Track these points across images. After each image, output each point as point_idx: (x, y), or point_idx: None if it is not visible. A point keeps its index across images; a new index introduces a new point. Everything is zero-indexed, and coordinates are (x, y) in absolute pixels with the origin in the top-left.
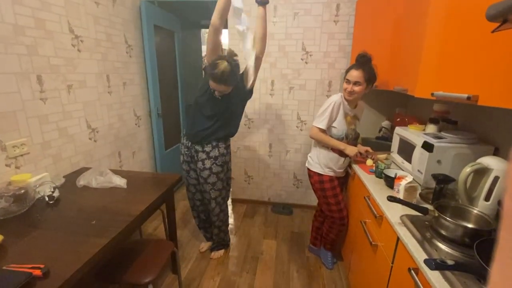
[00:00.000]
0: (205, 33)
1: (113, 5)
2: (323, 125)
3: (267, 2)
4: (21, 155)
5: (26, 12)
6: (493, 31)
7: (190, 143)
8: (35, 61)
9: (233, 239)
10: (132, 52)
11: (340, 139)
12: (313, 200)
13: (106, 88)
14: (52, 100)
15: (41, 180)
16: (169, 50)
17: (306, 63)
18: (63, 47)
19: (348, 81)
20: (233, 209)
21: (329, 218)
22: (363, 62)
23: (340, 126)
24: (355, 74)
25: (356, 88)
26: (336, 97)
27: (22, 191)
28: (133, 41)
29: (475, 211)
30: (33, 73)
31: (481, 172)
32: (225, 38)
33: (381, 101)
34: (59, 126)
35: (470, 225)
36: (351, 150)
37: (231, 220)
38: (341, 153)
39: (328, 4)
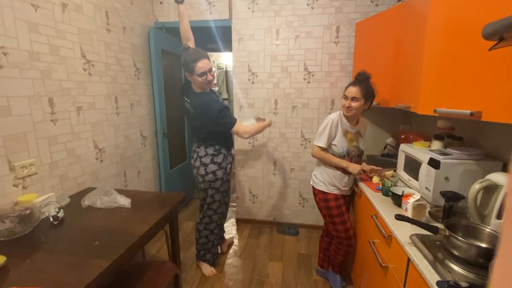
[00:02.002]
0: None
1: (123, 32)
2: (322, 143)
3: (182, 2)
4: (29, 176)
5: (42, 40)
6: (490, 49)
7: (231, 157)
8: (47, 85)
9: (237, 261)
10: (140, 75)
11: (341, 156)
12: (319, 219)
13: (114, 109)
14: (62, 122)
15: (46, 200)
16: (175, 73)
17: (309, 82)
18: (75, 71)
19: (346, 97)
20: (237, 230)
21: (335, 239)
22: (361, 79)
23: (340, 143)
24: (352, 90)
25: (354, 104)
26: (334, 115)
27: (28, 211)
28: (141, 65)
29: (488, 230)
30: (45, 96)
31: (491, 189)
32: (229, 60)
33: (385, 118)
34: (67, 146)
35: (483, 245)
36: (354, 168)
37: (235, 242)
38: (345, 170)
39: (329, 27)
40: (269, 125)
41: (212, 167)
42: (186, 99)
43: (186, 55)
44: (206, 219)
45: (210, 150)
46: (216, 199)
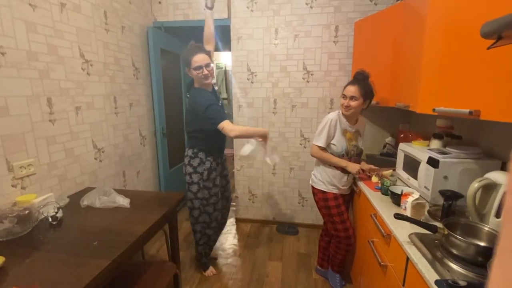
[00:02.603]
0: None
1: (122, 31)
2: (321, 143)
3: (211, 8)
4: (28, 176)
5: (40, 39)
6: (488, 48)
7: (220, 159)
8: (46, 85)
9: (237, 260)
10: (139, 74)
11: (340, 156)
12: (319, 219)
13: (113, 109)
14: (61, 122)
15: (45, 200)
16: (174, 72)
17: (308, 82)
18: (74, 71)
19: (344, 96)
20: (237, 229)
21: (335, 238)
22: (360, 78)
23: (339, 143)
24: (351, 89)
25: (353, 103)
26: (332, 115)
27: (26, 211)
28: (140, 64)
29: (486, 228)
30: (44, 96)
31: (490, 188)
32: (228, 60)
33: (384, 118)
34: (66, 146)
35: (482, 243)
36: (353, 167)
37: (235, 241)
38: (344, 170)
39: (328, 26)
40: (263, 134)
41: (189, 169)
42: (188, 94)
43: (186, 49)
44: (193, 226)
45: (190, 152)
46: (195, 205)
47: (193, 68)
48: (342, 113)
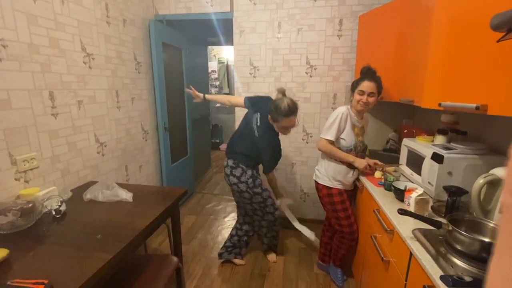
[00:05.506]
0: (211, 50)
1: (123, 24)
2: (331, 137)
3: None
4: (31, 169)
5: (41, 32)
6: (498, 41)
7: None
8: (48, 78)
9: None
10: (141, 68)
11: (348, 151)
12: (320, 214)
13: (115, 103)
14: (63, 115)
15: (48, 194)
16: (176, 66)
17: (311, 76)
18: (75, 64)
19: (362, 92)
20: None
21: (338, 233)
22: (371, 74)
23: (348, 137)
24: (370, 86)
25: (371, 99)
26: (343, 109)
27: (30, 205)
28: (142, 58)
29: (491, 225)
30: (46, 90)
31: (495, 184)
32: (230, 54)
33: (387, 113)
34: (68, 140)
35: (487, 239)
36: (360, 162)
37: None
38: (350, 165)
39: (331, 20)
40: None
41: (233, 180)
42: (257, 118)
43: (282, 104)
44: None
45: (230, 162)
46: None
47: (281, 126)
48: (355, 108)
